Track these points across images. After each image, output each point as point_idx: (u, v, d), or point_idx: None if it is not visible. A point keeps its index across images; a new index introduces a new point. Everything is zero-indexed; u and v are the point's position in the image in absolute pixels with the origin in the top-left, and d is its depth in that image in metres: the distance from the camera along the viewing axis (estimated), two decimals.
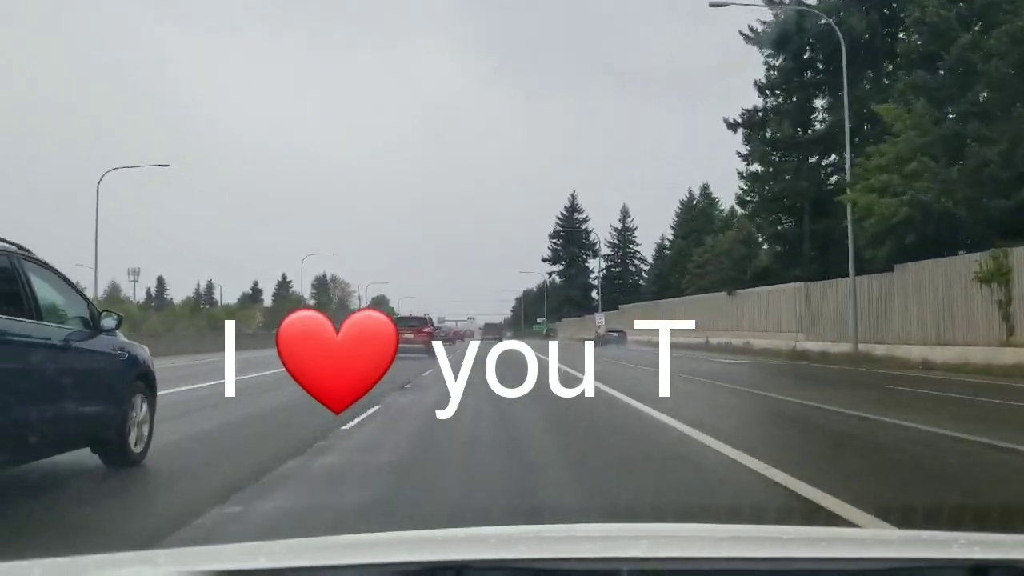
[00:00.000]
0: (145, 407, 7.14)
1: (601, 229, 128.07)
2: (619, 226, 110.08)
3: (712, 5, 27.38)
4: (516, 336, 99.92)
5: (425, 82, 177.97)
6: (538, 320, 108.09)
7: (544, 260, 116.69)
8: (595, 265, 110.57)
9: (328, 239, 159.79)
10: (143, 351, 7.45)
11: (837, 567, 1.39)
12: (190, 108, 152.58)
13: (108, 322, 6.77)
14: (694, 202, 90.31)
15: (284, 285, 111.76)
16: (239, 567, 1.43)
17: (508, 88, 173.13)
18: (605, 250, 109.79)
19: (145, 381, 7.27)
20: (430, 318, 41.60)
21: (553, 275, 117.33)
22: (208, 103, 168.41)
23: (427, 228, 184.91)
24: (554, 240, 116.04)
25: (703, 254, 70.36)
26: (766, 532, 1.88)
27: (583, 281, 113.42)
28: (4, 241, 5.99)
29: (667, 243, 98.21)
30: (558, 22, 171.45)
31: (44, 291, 6.20)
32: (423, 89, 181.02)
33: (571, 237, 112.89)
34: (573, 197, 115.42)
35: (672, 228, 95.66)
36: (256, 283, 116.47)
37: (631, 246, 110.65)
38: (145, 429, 7.11)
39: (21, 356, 5.62)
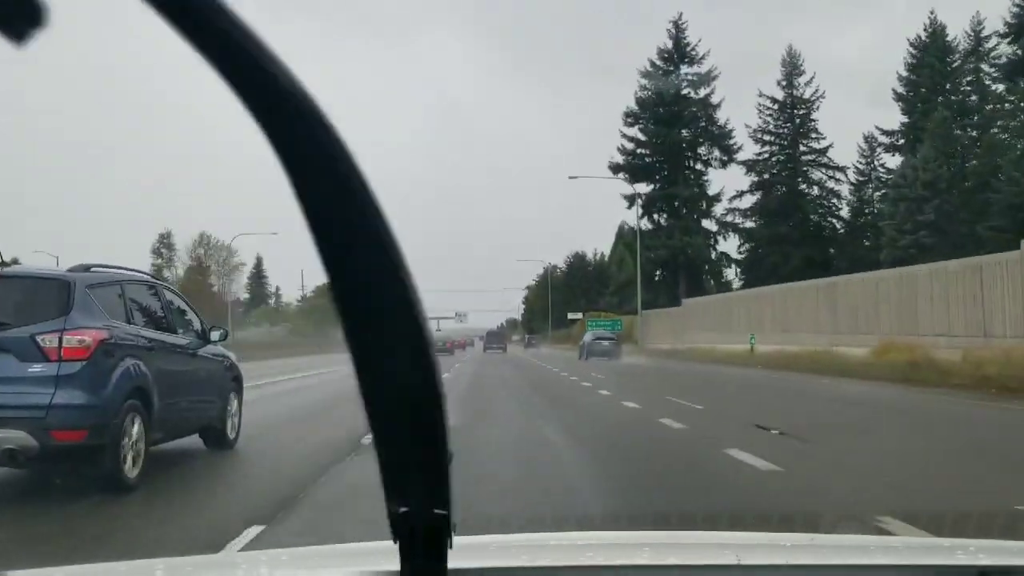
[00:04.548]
0: (236, 403, 8.59)
1: (739, 112, 64.23)
2: (781, 96, 48.94)
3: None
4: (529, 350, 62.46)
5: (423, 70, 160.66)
6: (573, 316, 58.75)
7: (614, 169, 51.18)
8: (724, 183, 51.61)
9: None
10: (233, 356, 8.89)
11: (842, 575, 1.40)
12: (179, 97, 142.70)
13: (215, 335, 8.17)
14: (947, 36, 42.27)
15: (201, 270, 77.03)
16: None
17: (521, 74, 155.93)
18: (752, 149, 50.26)
19: (237, 382, 8.74)
20: None
21: (638, 201, 49.31)
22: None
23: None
24: (635, 121, 51.12)
25: None
26: (769, 539, 1.91)
27: (703, 218, 51.37)
28: (141, 272, 7.62)
29: (901, 135, 44.59)
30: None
31: (173, 309, 7.66)
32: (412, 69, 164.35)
33: (674, 113, 49.62)
34: (678, 26, 51.40)
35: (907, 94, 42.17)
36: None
37: (810, 139, 48.40)
38: (236, 420, 8.56)
39: (168, 360, 6.97)
